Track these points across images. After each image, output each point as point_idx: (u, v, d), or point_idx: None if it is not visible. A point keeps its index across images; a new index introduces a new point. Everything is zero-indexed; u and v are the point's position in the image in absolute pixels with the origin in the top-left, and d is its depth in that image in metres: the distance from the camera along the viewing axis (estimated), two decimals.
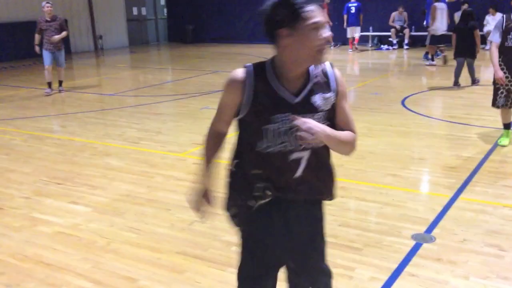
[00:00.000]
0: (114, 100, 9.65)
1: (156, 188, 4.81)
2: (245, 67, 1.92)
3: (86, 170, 5.40)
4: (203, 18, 20.79)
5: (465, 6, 14.76)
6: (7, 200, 4.67)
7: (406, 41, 16.05)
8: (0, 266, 3.47)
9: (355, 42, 16.64)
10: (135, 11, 21.30)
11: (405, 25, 16.26)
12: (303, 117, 1.82)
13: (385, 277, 3.15)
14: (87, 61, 16.61)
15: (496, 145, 5.81)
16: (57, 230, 4.00)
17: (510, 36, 5.45)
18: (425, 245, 3.55)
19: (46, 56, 9.91)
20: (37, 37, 9.99)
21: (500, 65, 5.55)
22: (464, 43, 9.50)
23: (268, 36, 1.84)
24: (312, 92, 1.91)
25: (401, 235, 3.70)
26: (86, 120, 7.88)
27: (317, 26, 1.78)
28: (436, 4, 12.27)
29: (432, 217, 3.98)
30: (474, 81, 9.82)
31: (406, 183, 4.78)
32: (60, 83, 10.35)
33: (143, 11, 21.81)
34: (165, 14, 22.65)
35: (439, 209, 4.13)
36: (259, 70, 1.90)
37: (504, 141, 5.81)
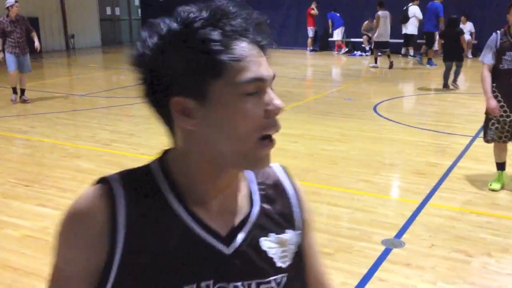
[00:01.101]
0: (85, 101, 9.51)
1: None
2: (106, 182, 0.90)
3: (55, 172, 5.30)
4: None
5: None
6: None
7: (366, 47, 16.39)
8: None
9: (342, 46, 17.23)
10: (108, 10, 21.06)
11: None
12: (245, 286, 0.89)
13: (355, 282, 3.19)
14: (58, 60, 16.33)
15: (464, 152, 5.94)
16: (25, 233, 3.92)
17: (506, 57, 4.44)
18: (394, 250, 3.61)
19: (11, 60, 8.70)
20: (0, 41, 8.63)
21: (493, 92, 4.54)
22: (452, 48, 10.21)
23: (154, 106, 0.90)
24: (261, 229, 0.94)
25: (371, 240, 3.75)
26: (56, 121, 7.73)
27: (258, 87, 0.83)
28: (380, 12, 13.42)
29: (401, 223, 4.04)
30: (455, 81, 10.36)
31: (377, 189, 4.85)
32: (23, 91, 9.05)
33: (117, 11, 21.58)
34: (139, 15, 22.45)
35: (408, 214, 4.20)
36: (138, 186, 0.90)
37: (495, 185, 4.71)
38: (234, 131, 0.83)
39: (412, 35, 15.09)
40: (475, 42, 15.32)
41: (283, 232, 0.96)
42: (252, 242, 0.92)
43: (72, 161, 5.73)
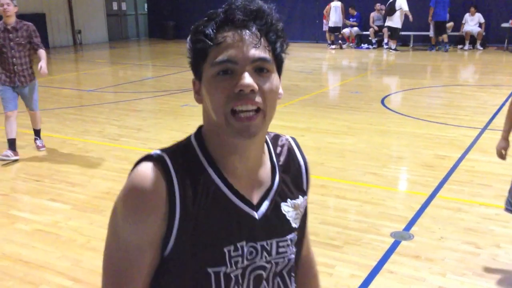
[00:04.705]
0: (93, 96, 9.54)
1: None
2: (155, 159, 1.03)
3: (65, 167, 5.34)
4: (184, 15, 20.67)
5: None
6: None
7: (385, 40, 16.21)
8: None
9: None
10: (115, 6, 21.05)
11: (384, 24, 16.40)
12: (268, 244, 1.08)
13: (364, 274, 3.20)
14: (65, 56, 16.38)
15: (473, 144, 5.92)
16: (36, 227, 3.96)
17: None
18: (403, 242, 3.62)
19: (7, 94, 5.53)
20: None
21: None
22: None
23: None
24: (281, 196, 1.11)
25: (380, 233, 3.76)
26: (64, 116, 7.78)
27: (229, 68, 0.96)
28: (331, 3, 16.17)
29: (410, 215, 4.05)
30: None
31: (385, 182, 4.85)
32: (37, 132, 6.05)
33: (123, 6, 21.57)
34: (146, 10, 22.46)
35: (417, 207, 4.20)
36: (185, 162, 1.03)
37: None
38: (211, 104, 0.99)
39: (396, 29, 15.21)
40: (484, 33, 15.18)
41: (297, 198, 1.15)
42: (274, 207, 1.09)
43: (81, 156, 5.77)
